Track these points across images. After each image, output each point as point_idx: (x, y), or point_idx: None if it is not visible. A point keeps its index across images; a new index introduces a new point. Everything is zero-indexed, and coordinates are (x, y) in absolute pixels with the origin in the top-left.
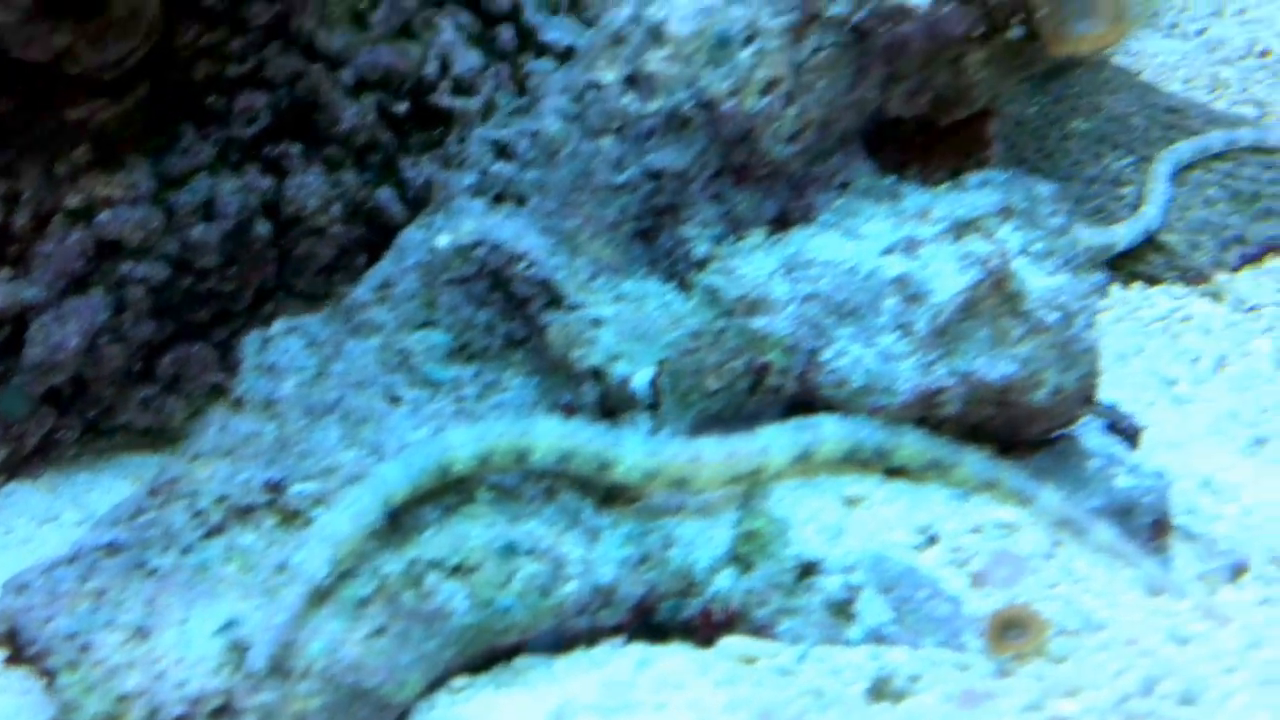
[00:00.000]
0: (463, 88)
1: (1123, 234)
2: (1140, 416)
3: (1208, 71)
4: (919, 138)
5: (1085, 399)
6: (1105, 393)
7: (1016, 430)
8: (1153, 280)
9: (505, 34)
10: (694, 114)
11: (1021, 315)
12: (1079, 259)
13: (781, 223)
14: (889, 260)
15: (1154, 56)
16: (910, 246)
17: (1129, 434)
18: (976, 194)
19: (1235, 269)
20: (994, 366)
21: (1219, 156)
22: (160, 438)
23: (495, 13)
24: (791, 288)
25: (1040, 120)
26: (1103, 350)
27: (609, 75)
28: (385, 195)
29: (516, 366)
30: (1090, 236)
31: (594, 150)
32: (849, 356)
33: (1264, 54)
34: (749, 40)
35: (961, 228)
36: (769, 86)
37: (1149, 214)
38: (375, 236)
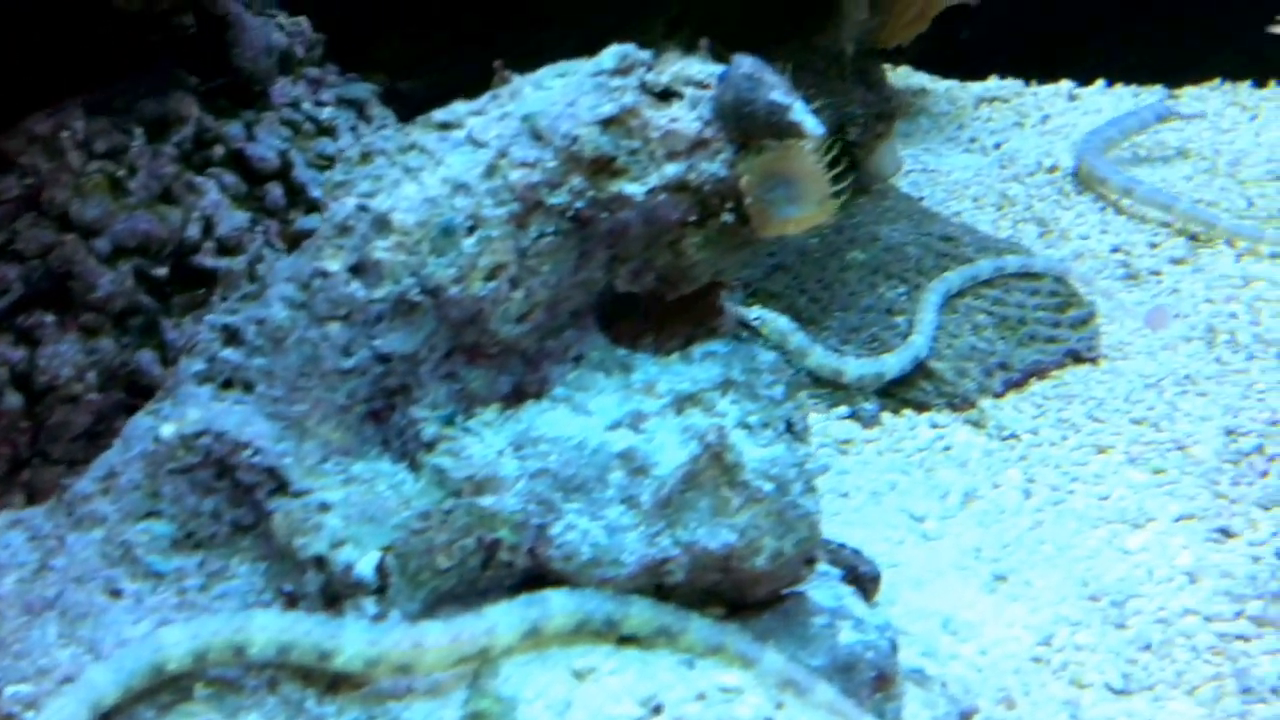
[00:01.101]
0: (227, 248)
1: (892, 363)
2: (887, 556)
3: (998, 188)
4: (653, 310)
5: (806, 560)
6: (854, 534)
7: (743, 593)
8: (922, 407)
9: (274, 191)
10: (421, 300)
11: (739, 486)
12: (798, 425)
13: (518, 396)
14: (616, 435)
15: (949, 174)
16: (636, 421)
17: (868, 580)
18: (700, 367)
19: (999, 395)
20: (715, 536)
21: (989, 283)
22: None
23: (263, 171)
24: (520, 465)
25: (822, 250)
26: (859, 487)
27: (335, 264)
28: (146, 358)
29: (244, 553)
30: (860, 367)
31: (321, 336)
32: (577, 530)
33: (1052, 170)
34: (472, 229)
35: (683, 401)
36: (494, 272)
37: (917, 343)
38: (137, 399)
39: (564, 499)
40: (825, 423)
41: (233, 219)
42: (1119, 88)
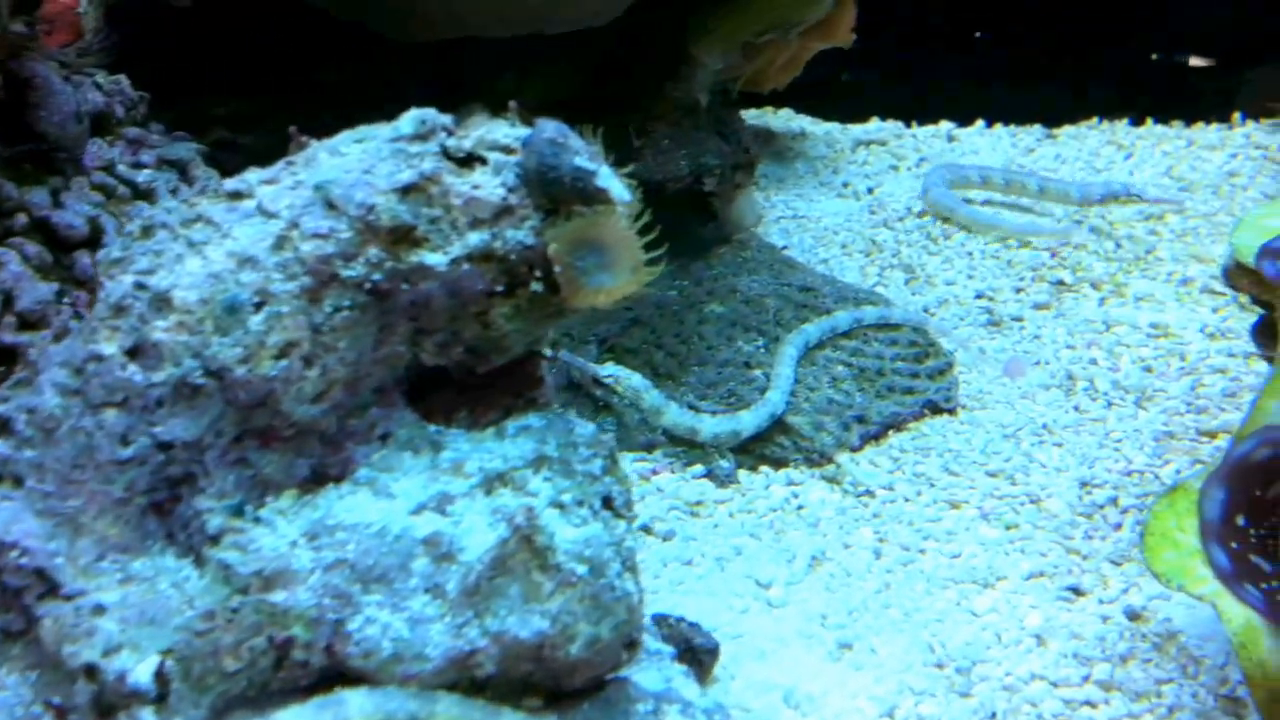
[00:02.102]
0: (30, 321)
1: (748, 420)
2: (731, 627)
3: (867, 234)
4: (467, 383)
5: (627, 644)
6: (697, 604)
7: (559, 683)
8: (779, 464)
9: (83, 260)
10: (204, 382)
11: (551, 569)
12: (618, 501)
13: (318, 480)
14: (420, 519)
15: (819, 219)
16: (442, 503)
17: (704, 654)
18: (512, 443)
19: (856, 448)
20: (526, 624)
21: (847, 334)
22: None
23: (71, 239)
24: (316, 556)
25: (680, 304)
26: (705, 554)
27: (111, 346)
28: None
29: (14, 663)
30: (715, 425)
31: (97, 424)
32: (377, 625)
33: (921, 214)
34: (260, 305)
35: (494, 481)
36: (285, 350)
37: (773, 398)
38: None
39: (363, 591)
40: (678, 484)
41: (36, 291)
42: (998, 128)
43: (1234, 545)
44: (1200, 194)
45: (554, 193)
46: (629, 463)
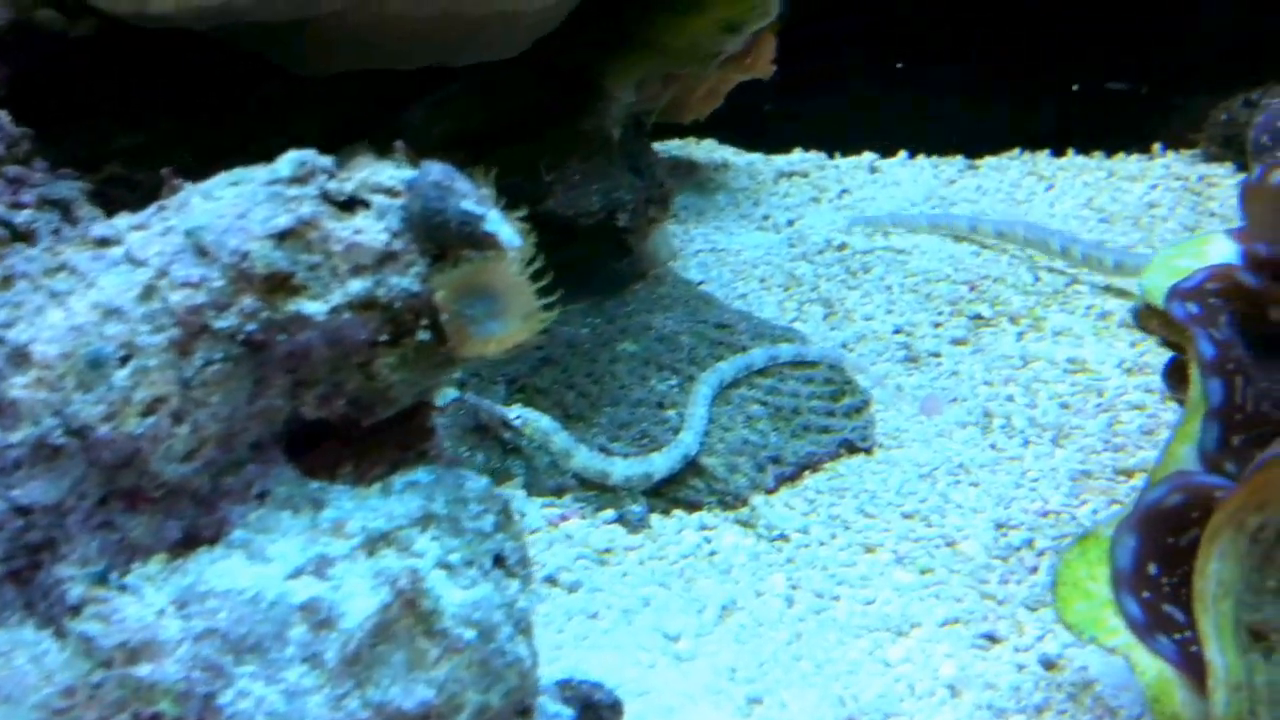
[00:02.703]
0: None
1: (660, 463)
2: (637, 683)
3: (786, 268)
4: (353, 436)
5: (519, 712)
6: (601, 659)
7: None
8: (692, 507)
9: None
10: (65, 442)
11: (437, 635)
12: (511, 559)
13: (191, 543)
14: (297, 584)
15: (738, 253)
16: (321, 566)
17: (606, 712)
18: (398, 500)
19: (772, 490)
20: (410, 694)
21: (763, 372)
22: None
23: None
24: (184, 625)
25: (592, 342)
26: (611, 605)
27: None
28: None
29: None
30: (627, 467)
31: None
32: (251, 698)
33: (840, 247)
34: (126, 359)
35: (377, 541)
36: (152, 406)
37: (686, 439)
38: None
39: (235, 662)
40: (588, 530)
41: None
42: (920, 159)
43: (1146, 595)
44: (1120, 225)
45: (440, 238)
46: (537, 509)
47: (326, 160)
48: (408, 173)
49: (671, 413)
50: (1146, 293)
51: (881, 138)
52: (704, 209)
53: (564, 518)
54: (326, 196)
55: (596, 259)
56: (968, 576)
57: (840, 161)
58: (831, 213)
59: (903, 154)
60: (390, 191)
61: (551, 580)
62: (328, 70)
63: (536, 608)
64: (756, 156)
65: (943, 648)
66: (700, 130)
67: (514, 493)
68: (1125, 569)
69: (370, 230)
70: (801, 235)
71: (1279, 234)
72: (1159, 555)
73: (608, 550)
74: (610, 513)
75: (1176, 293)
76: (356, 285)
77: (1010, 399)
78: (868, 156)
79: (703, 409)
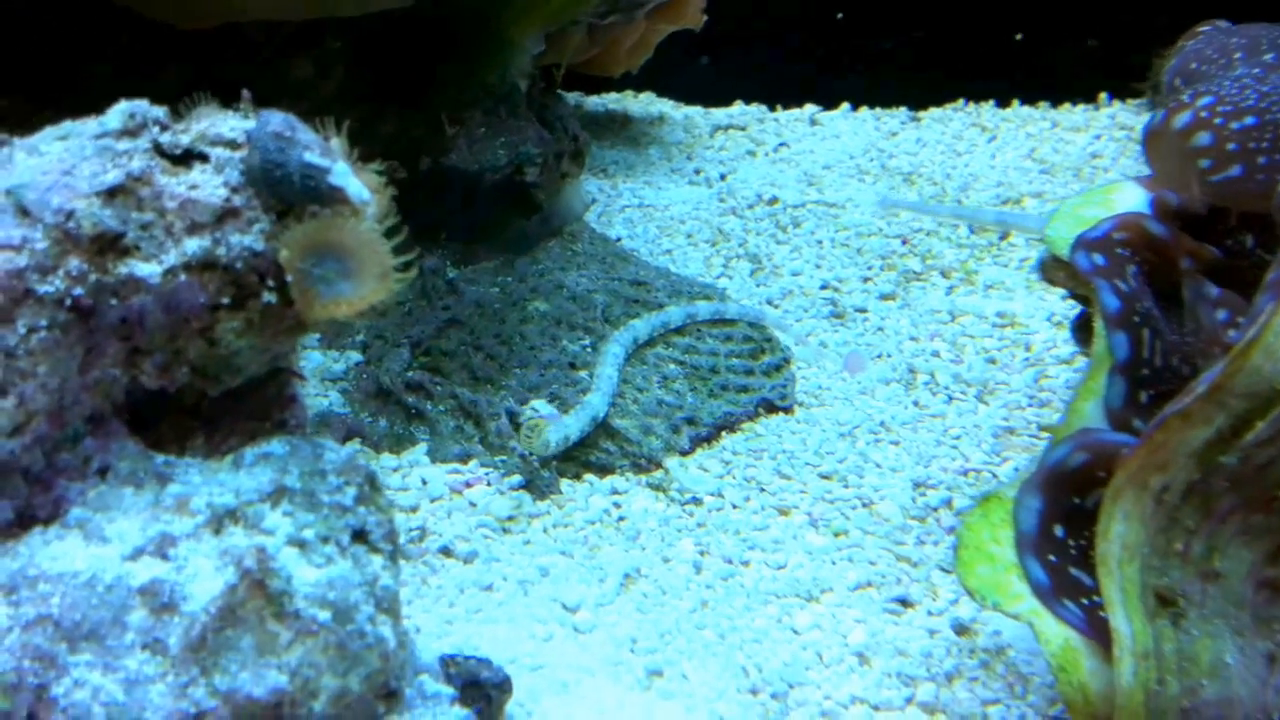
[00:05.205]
0: None
1: (570, 424)
2: (531, 657)
3: (715, 223)
4: (201, 407)
5: (385, 695)
6: (495, 633)
7: None
8: (604, 470)
9: None
10: None
11: (289, 617)
12: (375, 534)
13: (24, 524)
14: (137, 565)
15: (666, 208)
16: (163, 546)
17: (493, 690)
18: (248, 474)
19: (686, 452)
20: (260, 680)
21: (680, 331)
22: None
23: None
24: (13, 613)
25: (501, 302)
26: (508, 576)
27: None
28: None
29: None
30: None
31: None
32: (87, 688)
33: (772, 202)
34: None
35: (224, 518)
36: None
37: (594, 401)
38: None
39: (70, 650)
40: (491, 497)
41: None
42: (863, 111)
43: (1051, 558)
44: (1061, 176)
45: (282, 193)
46: (441, 475)
47: (159, 111)
48: (252, 124)
49: (583, 374)
50: (1051, 244)
51: (824, 91)
52: (634, 163)
53: (468, 484)
54: (160, 150)
55: (504, 215)
56: (883, 539)
57: (781, 114)
58: (766, 166)
59: (845, 106)
60: (231, 144)
61: (446, 551)
62: (209, 23)
63: (429, 580)
64: (695, 110)
65: (853, 613)
66: (641, 84)
67: (418, 459)
68: (1029, 531)
69: (207, 185)
70: (733, 189)
71: (1185, 181)
72: (1064, 517)
73: (510, 518)
74: (518, 478)
75: (1081, 243)
76: (193, 245)
77: (936, 354)
78: (809, 109)
79: (612, 369)
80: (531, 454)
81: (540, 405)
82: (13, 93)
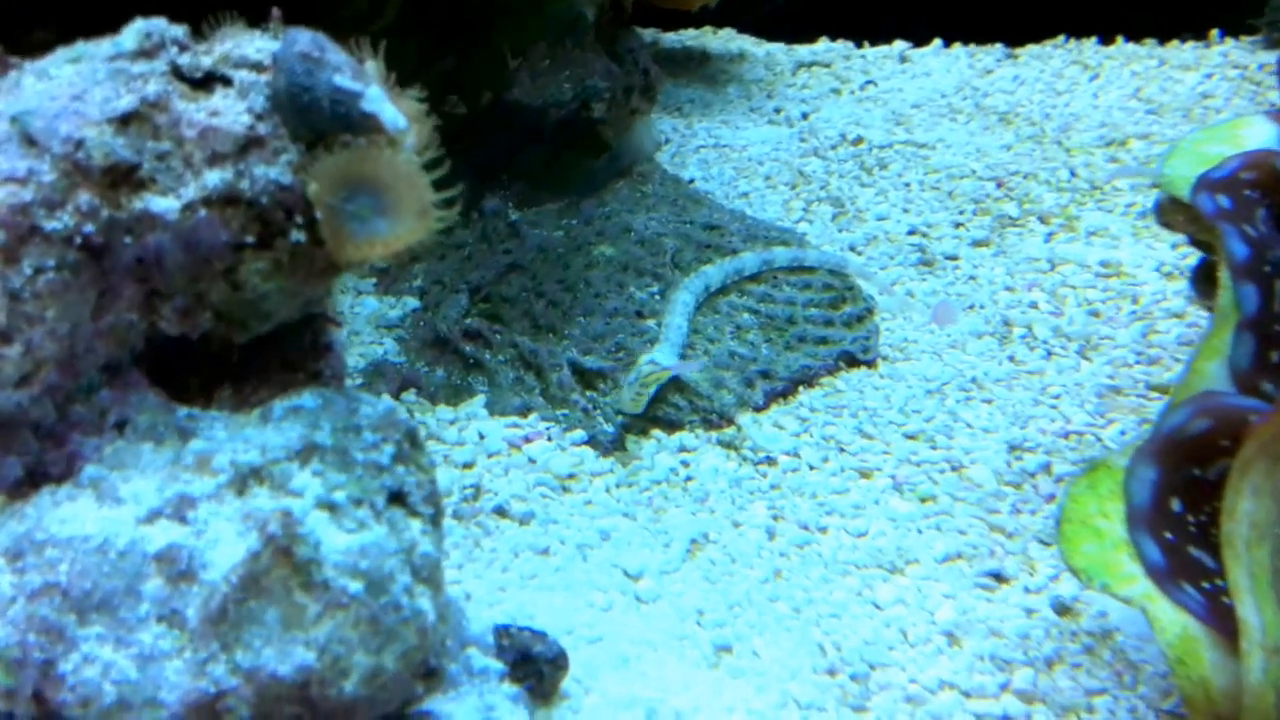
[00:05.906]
0: None
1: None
2: (589, 629)
3: (795, 164)
4: (228, 356)
5: (425, 674)
6: (551, 601)
7: None
8: (673, 427)
9: None
10: None
11: (317, 587)
12: (414, 496)
13: (35, 482)
14: (153, 529)
15: (743, 149)
16: (181, 507)
17: (547, 666)
18: (277, 429)
19: (760, 408)
20: (286, 657)
21: (755, 279)
22: None
23: None
24: (17, 580)
25: (565, 246)
26: (566, 539)
27: None
28: None
29: None
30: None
31: None
32: (97, 664)
33: (856, 142)
34: None
35: (247, 477)
36: None
37: (659, 354)
38: None
39: (79, 622)
40: (552, 453)
41: None
42: (956, 48)
43: (1168, 536)
44: (1169, 117)
45: (312, 121)
46: (499, 429)
47: (178, 30)
48: (279, 45)
49: (651, 323)
50: (1169, 184)
51: (915, 27)
52: (711, 102)
53: (528, 439)
54: (178, 73)
55: (569, 154)
56: (974, 505)
57: (868, 51)
58: (851, 105)
59: (937, 42)
60: (256, 66)
61: (501, 511)
62: None
63: (481, 543)
64: (777, 46)
65: (941, 588)
66: (720, 20)
67: (476, 411)
68: (1142, 505)
69: (230, 112)
70: (815, 129)
71: None
72: (1182, 490)
73: (571, 476)
74: (580, 433)
75: (1205, 183)
76: (214, 177)
77: (1033, 306)
78: (899, 46)
79: (681, 319)
80: (625, 413)
81: (660, 355)
82: (47, 24)
